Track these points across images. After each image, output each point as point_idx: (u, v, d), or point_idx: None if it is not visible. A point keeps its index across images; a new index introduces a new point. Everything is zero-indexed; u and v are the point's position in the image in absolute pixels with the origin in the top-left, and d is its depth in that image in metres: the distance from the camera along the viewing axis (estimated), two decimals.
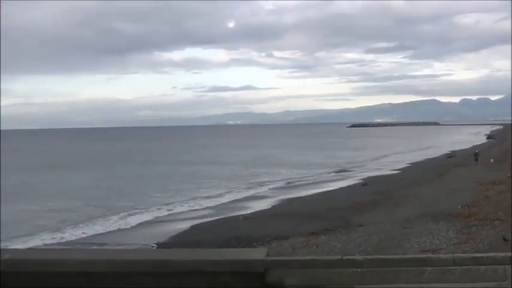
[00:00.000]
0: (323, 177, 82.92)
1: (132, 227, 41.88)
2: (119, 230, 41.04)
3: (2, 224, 41.21)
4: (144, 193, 59.97)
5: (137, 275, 19.25)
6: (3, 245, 31.27)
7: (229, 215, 44.34)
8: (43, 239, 36.65)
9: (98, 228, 41.06)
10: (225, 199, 57.73)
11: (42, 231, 39.43)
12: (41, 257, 20.95)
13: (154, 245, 32.24)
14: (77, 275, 19.72)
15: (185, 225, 40.55)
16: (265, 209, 48.08)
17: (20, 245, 34.01)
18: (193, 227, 39.34)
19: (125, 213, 47.13)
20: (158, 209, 49.68)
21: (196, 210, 49.83)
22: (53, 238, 37.33)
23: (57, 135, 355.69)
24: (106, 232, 39.93)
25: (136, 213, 47.71)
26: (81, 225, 42.13)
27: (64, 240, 36.75)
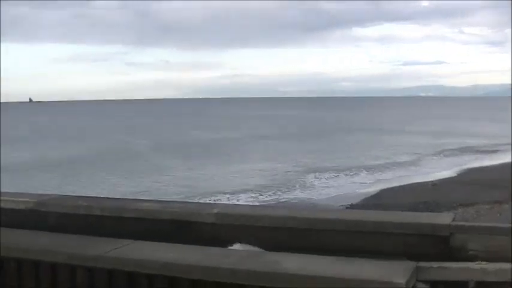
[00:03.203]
0: (507, 148, 79.36)
1: (329, 189, 41.93)
2: (317, 190, 41.14)
3: (216, 181, 42.52)
4: (344, 158, 59.78)
5: (330, 232, 19.29)
6: (214, 199, 32.18)
7: (417, 181, 43.43)
8: (247, 197, 37.30)
9: (299, 188, 41.35)
10: (414, 166, 56.67)
11: (248, 190, 40.15)
12: (244, 212, 21.51)
13: (349, 206, 32.06)
14: (272, 229, 20.13)
15: (375, 188, 40.12)
16: (452, 177, 46.83)
17: (227, 200, 34.86)
18: (382, 191, 38.89)
19: (325, 176, 47.26)
20: (355, 173, 49.46)
21: (387, 176, 49.22)
22: (257, 197, 37.87)
23: (265, 103, 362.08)
24: (306, 193, 40.12)
25: (335, 176, 47.71)
26: (287, 184, 42.59)
27: (271, 198, 37.32)
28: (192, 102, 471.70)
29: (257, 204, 33.18)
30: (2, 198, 25.19)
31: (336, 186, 43.06)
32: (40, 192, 29.22)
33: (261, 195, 37.90)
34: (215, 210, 22.57)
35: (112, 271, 16.26)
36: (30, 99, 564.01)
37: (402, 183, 42.52)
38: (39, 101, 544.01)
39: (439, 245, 16.35)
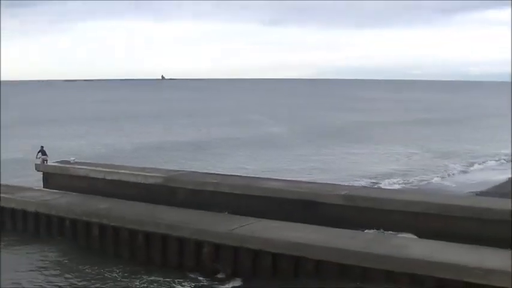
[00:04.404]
0: None
1: (460, 175, 40.86)
2: (448, 176, 40.18)
3: (350, 164, 42.09)
4: (477, 144, 57.85)
5: (459, 218, 18.99)
6: (347, 182, 31.91)
7: None
8: (381, 181, 36.80)
9: (430, 174, 40.52)
10: None
11: (382, 174, 39.59)
12: (372, 195, 21.45)
13: (478, 193, 31.21)
14: (401, 213, 19.99)
15: (506, 176, 38.71)
16: None
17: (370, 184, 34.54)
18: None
19: (456, 162, 46.06)
20: (486, 160, 47.85)
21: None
22: (392, 182, 37.33)
23: (395, 86, 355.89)
24: (437, 178, 39.25)
25: (467, 162, 46.41)
26: (419, 169, 41.78)
27: (403, 182, 36.72)
28: (325, 82, 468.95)
29: (388, 188, 32.71)
30: (133, 172, 26.19)
31: (467, 172, 41.86)
32: (170, 168, 30.00)
33: (395, 179, 37.29)
34: (343, 192, 22.66)
35: (237, 248, 16.57)
36: (162, 76, 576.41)
37: None
38: (171, 79, 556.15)
39: None
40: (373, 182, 34.38)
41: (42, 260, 18.63)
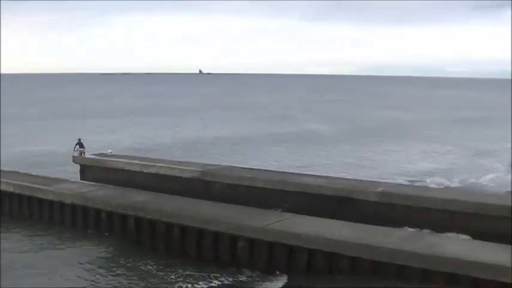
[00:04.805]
0: None
1: (496, 174, 40.30)
2: (483, 175, 39.68)
3: (389, 161, 41.72)
4: None
5: (495, 217, 18.80)
6: (379, 179, 31.59)
7: None
8: (419, 180, 36.44)
9: (466, 172, 40.12)
10: None
11: (421, 173, 39.24)
12: (408, 192, 21.30)
13: None
14: (436, 211, 19.83)
15: None
16: None
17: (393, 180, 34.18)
18: None
19: (492, 161, 45.47)
20: None
21: None
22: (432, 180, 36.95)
23: (430, 83, 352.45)
24: (472, 176, 38.81)
25: (504, 161, 45.77)
26: (456, 168, 41.36)
27: (441, 181, 36.36)
28: (359, 79, 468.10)
29: (426, 186, 32.31)
30: (169, 166, 26.31)
31: (506, 171, 41.33)
32: (207, 162, 30.05)
33: (435, 178, 36.87)
34: (379, 189, 22.61)
35: (273, 243, 16.54)
36: (200, 70, 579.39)
37: None
38: (208, 73, 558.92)
39: None
40: (413, 180, 34.02)
41: (78, 253, 18.82)
